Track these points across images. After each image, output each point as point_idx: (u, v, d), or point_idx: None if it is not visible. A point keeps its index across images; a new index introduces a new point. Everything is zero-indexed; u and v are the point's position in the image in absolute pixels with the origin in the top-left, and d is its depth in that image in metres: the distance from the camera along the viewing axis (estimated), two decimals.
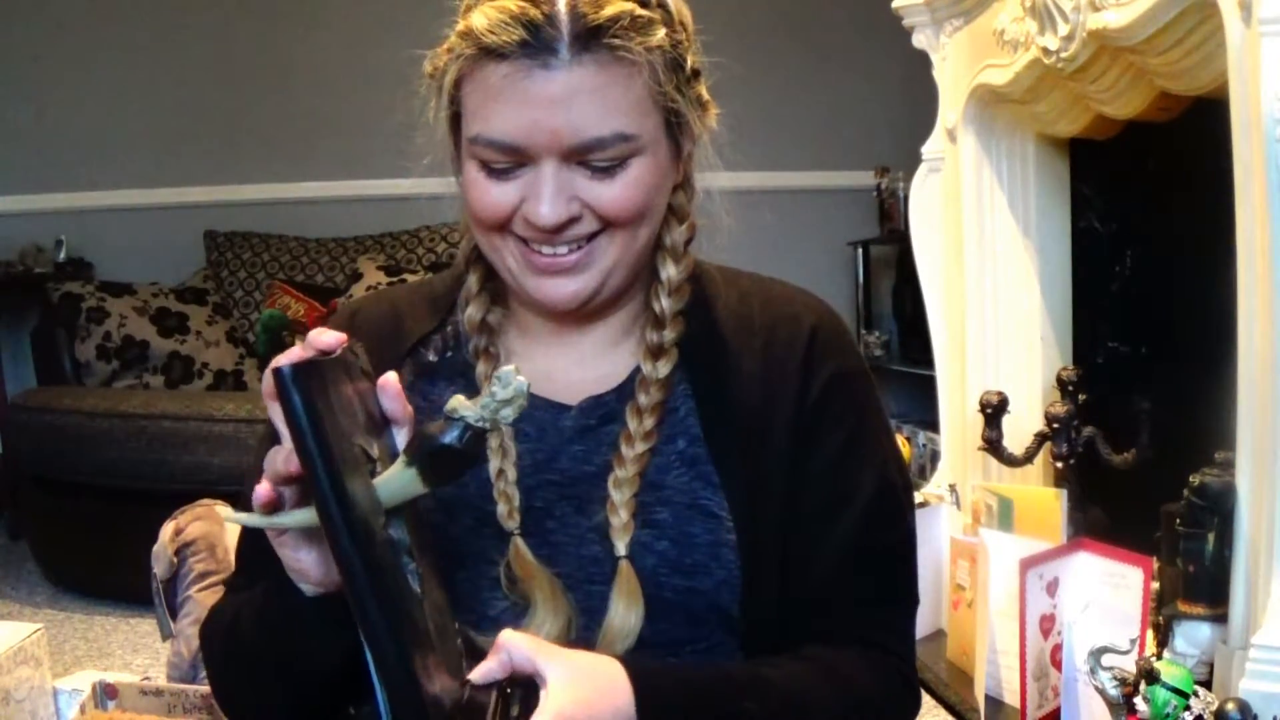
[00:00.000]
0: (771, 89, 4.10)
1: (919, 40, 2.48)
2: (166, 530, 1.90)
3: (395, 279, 3.61)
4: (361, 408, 0.81)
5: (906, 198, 2.67)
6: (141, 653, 2.66)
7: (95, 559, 3.06)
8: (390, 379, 0.82)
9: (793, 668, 0.91)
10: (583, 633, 0.89)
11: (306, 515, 0.78)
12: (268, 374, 0.75)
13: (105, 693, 1.74)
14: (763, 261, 1.03)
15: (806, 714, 0.89)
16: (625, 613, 0.89)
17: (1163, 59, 1.71)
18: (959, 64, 2.36)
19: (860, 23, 3.97)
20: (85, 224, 4.09)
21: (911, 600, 1.01)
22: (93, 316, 3.51)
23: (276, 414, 0.76)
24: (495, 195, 0.88)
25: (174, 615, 1.87)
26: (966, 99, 2.31)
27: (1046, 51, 1.92)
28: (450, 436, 0.77)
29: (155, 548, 1.89)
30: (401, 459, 0.78)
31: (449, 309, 1.01)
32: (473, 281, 0.99)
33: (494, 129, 0.85)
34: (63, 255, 4.00)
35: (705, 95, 0.94)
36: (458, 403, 0.78)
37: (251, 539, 0.99)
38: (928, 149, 2.51)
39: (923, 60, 2.49)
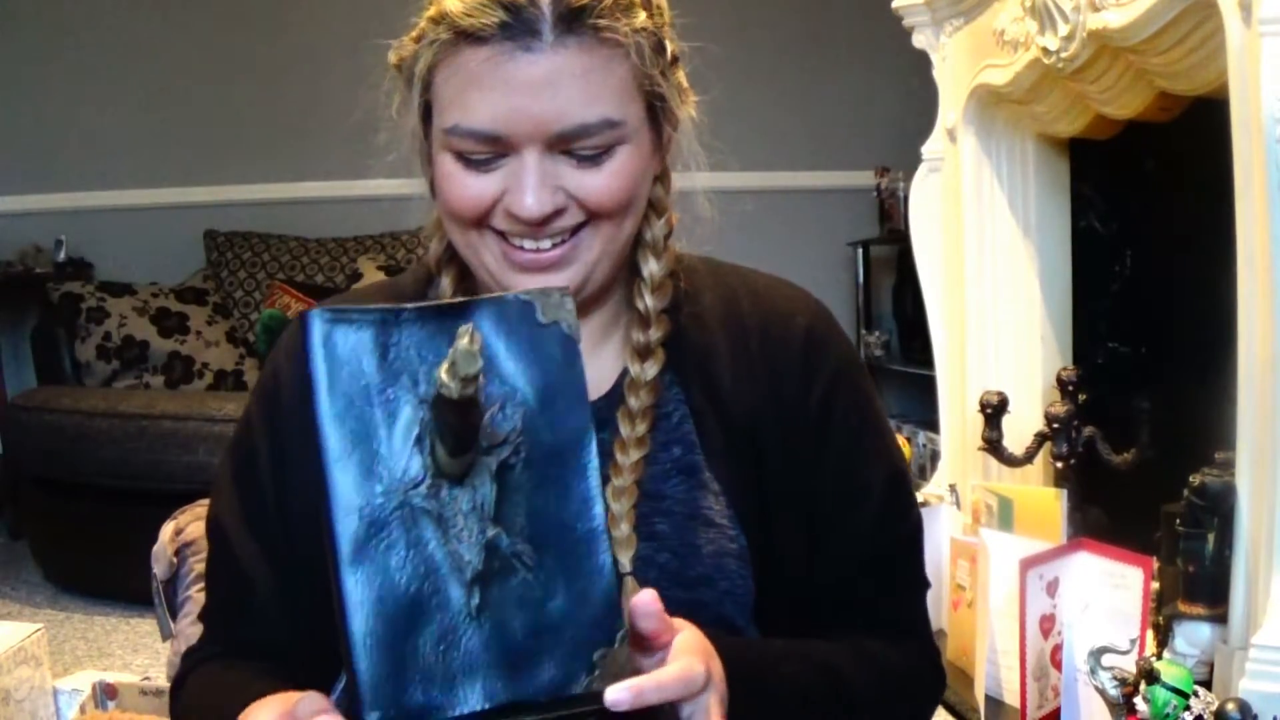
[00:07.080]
0: (772, 89, 4.10)
1: (919, 40, 2.48)
2: (166, 530, 1.89)
3: None
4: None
5: (906, 198, 2.67)
6: (141, 653, 2.66)
7: (95, 559, 3.06)
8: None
9: (824, 644, 0.91)
10: None
11: None
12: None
13: (105, 693, 1.74)
14: (763, 262, 1.02)
15: (840, 682, 0.89)
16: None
17: (1163, 59, 1.71)
18: (959, 64, 2.36)
19: (860, 23, 3.97)
20: (85, 224, 4.08)
21: (925, 583, 1.02)
22: (93, 316, 3.50)
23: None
24: (475, 188, 0.84)
25: (174, 615, 1.87)
26: (966, 99, 2.31)
27: (1046, 51, 1.92)
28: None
29: (155, 548, 1.88)
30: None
31: None
32: (446, 285, 0.94)
33: (473, 117, 0.81)
34: (63, 255, 3.99)
35: (684, 82, 0.91)
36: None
37: (226, 574, 0.95)
38: (928, 149, 2.51)
39: (923, 60, 2.49)
